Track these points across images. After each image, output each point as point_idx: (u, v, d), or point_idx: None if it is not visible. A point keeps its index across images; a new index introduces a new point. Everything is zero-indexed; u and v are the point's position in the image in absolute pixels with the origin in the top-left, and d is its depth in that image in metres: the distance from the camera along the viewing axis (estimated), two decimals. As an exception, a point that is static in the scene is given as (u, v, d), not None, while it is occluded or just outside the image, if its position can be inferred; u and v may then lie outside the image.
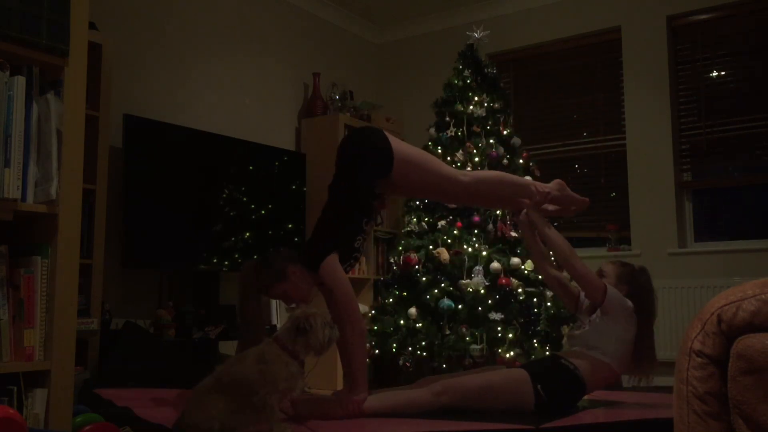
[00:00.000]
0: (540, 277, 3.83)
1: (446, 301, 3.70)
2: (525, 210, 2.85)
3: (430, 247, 4.00)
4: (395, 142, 2.71)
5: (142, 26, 4.23)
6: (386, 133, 2.74)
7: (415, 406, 2.51)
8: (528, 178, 2.92)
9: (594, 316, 2.67)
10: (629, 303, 2.65)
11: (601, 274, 2.78)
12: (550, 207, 2.90)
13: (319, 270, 2.59)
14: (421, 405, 2.51)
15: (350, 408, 2.45)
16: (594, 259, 4.80)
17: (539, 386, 2.52)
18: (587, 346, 2.65)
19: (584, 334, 2.68)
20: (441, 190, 2.87)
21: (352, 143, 2.82)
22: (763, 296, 1.05)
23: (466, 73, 4.31)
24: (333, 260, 2.59)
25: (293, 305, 2.68)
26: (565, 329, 3.66)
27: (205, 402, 2.09)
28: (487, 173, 2.93)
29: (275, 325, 4.59)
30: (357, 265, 4.42)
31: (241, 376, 2.12)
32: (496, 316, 3.64)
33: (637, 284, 2.74)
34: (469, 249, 3.89)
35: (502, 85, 4.49)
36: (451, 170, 2.84)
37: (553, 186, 2.91)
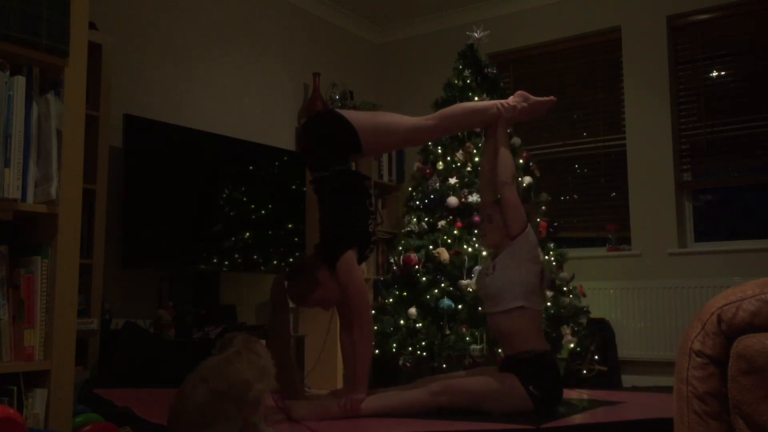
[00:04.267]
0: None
1: (446, 301, 3.70)
2: (495, 127, 2.85)
3: (430, 247, 4.00)
4: (352, 116, 2.74)
5: (142, 26, 4.23)
6: (340, 112, 2.79)
7: (413, 406, 2.51)
8: (492, 103, 2.93)
9: (498, 258, 2.68)
10: (536, 241, 2.67)
11: (489, 220, 2.77)
12: (523, 118, 2.95)
13: (336, 267, 2.59)
14: (419, 405, 2.51)
15: (348, 408, 2.46)
16: (594, 260, 4.83)
17: (531, 387, 2.51)
18: (494, 296, 2.63)
19: (492, 280, 2.66)
20: (413, 140, 3.09)
21: (316, 135, 2.81)
22: (763, 296, 1.05)
23: (466, 73, 4.31)
24: (350, 257, 2.59)
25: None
26: (565, 329, 3.66)
27: (200, 407, 2.05)
28: (449, 109, 2.95)
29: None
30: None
31: (237, 373, 2.10)
32: (496, 316, 3.64)
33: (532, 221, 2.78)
34: (469, 249, 3.89)
35: (502, 85, 4.49)
36: (414, 120, 2.86)
37: (517, 99, 2.91)
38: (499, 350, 3.53)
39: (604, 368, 4.13)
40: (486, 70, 4.36)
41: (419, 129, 2.83)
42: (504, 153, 2.76)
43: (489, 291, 2.66)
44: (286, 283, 2.67)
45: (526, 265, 2.62)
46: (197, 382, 2.09)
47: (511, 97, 2.93)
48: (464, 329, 3.63)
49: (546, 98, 2.97)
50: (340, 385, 4.48)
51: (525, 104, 2.90)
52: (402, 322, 3.83)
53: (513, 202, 2.66)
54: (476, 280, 2.78)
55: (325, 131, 2.77)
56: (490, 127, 2.91)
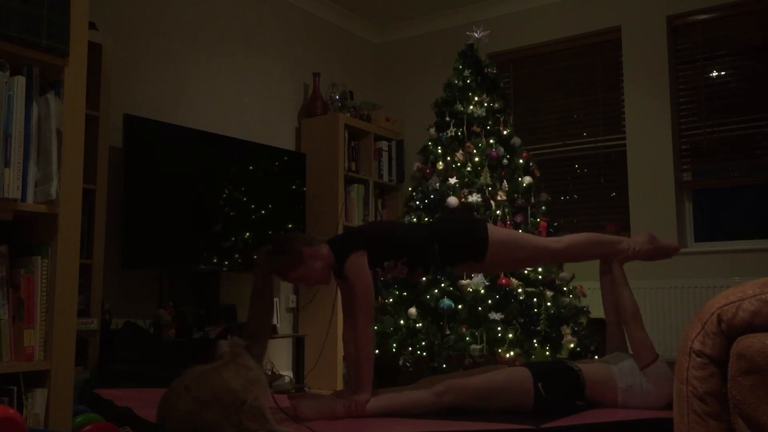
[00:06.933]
0: (540, 277, 3.84)
1: (446, 301, 3.70)
2: (612, 263, 2.94)
3: (430, 247, 3.99)
4: (491, 229, 2.82)
5: (142, 26, 4.23)
6: (486, 223, 2.90)
7: (417, 407, 2.51)
8: (620, 238, 3.04)
9: (641, 374, 2.70)
10: (668, 374, 2.66)
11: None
12: (644, 258, 3.02)
13: (345, 262, 2.60)
14: (423, 405, 2.51)
15: (353, 408, 2.46)
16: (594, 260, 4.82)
17: (540, 384, 2.52)
18: (619, 366, 2.67)
19: (628, 363, 2.70)
20: (535, 260, 3.19)
21: (457, 229, 2.91)
22: (763, 296, 1.05)
23: (466, 73, 4.30)
24: (362, 256, 2.61)
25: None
26: (565, 329, 3.66)
27: (186, 416, 2.04)
28: (579, 237, 3.00)
29: (275, 326, 4.60)
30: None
31: (224, 383, 2.09)
32: (496, 316, 3.64)
33: None
34: (469, 249, 3.88)
35: (502, 85, 4.48)
36: (542, 240, 2.99)
37: (644, 241, 2.99)
38: (499, 350, 3.53)
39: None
40: (486, 70, 4.35)
41: (545, 248, 2.90)
42: (625, 292, 2.85)
43: (621, 366, 2.70)
44: (268, 255, 2.65)
45: (656, 390, 2.61)
46: (182, 391, 2.09)
47: (639, 237, 3.02)
48: (464, 329, 3.62)
49: (672, 244, 3.05)
50: (340, 385, 4.49)
51: (649, 246, 2.97)
52: (402, 322, 3.82)
53: (638, 340, 2.73)
54: (602, 358, 2.87)
55: (464, 228, 2.88)
56: (606, 262, 2.97)
